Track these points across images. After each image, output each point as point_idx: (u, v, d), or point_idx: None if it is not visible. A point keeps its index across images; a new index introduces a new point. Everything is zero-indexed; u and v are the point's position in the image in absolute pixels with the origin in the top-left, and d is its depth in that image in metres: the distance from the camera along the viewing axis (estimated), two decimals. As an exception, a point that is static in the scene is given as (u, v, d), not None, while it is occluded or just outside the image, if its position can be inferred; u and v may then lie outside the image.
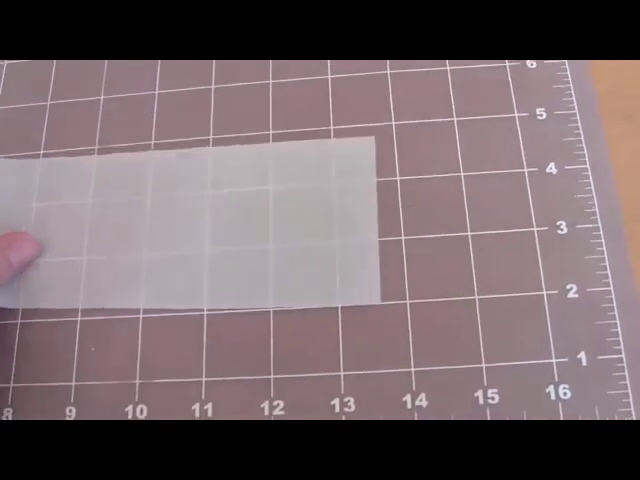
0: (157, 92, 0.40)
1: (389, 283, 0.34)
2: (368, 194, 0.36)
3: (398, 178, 0.36)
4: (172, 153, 0.38)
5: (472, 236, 0.34)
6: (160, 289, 0.35)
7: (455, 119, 0.37)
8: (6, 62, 0.41)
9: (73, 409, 0.34)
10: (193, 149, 0.38)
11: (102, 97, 0.40)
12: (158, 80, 0.40)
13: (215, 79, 0.40)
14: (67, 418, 0.33)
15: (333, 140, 0.37)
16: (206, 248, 0.36)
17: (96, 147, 0.39)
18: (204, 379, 0.33)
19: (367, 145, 0.37)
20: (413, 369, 0.32)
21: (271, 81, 0.39)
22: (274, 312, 0.34)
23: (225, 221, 0.36)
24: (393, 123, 0.37)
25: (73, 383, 0.34)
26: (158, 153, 0.38)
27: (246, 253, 0.35)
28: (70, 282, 0.36)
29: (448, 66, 0.38)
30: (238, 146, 0.38)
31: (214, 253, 0.36)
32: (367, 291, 0.34)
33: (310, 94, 0.38)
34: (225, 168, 0.37)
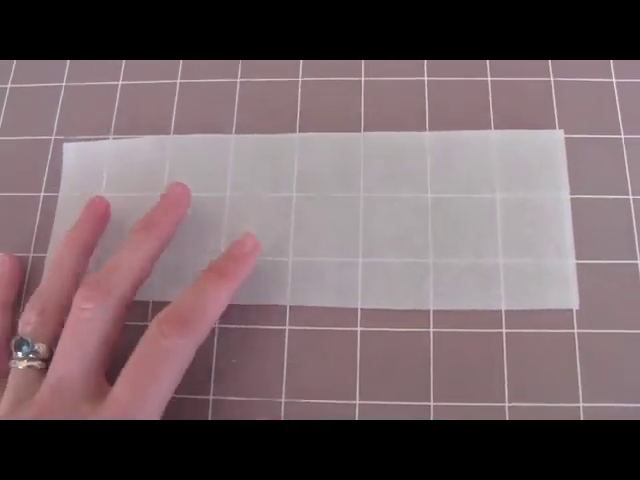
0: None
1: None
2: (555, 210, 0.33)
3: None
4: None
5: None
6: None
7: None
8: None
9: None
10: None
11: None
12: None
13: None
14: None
15: (498, 132, 0.34)
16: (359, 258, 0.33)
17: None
18: (357, 402, 0.30)
19: (553, 141, 0.34)
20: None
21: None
22: (434, 333, 0.31)
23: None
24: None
25: (210, 397, 0.31)
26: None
27: (404, 265, 0.32)
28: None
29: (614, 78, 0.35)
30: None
31: (366, 263, 0.33)
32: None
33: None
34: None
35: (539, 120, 0.35)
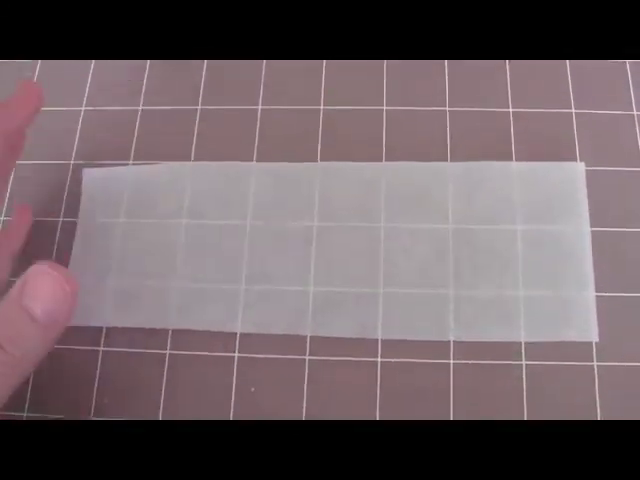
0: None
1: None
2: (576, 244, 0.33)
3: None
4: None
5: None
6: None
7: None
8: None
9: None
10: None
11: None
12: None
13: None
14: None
15: (520, 163, 0.34)
16: (379, 289, 0.33)
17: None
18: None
19: (574, 172, 0.34)
20: None
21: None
22: (454, 364, 0.31)
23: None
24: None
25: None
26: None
27: (425, 296, 0.32)
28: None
29: (635, 111, 0.35)
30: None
31: (387, 293, 0.33)
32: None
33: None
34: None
35: (560, 152, 0.35)
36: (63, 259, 0.34)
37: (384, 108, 0.36)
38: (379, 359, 0.32)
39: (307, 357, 0.32)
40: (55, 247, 0.35)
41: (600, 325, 0.32)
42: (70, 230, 0.35)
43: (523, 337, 0.32)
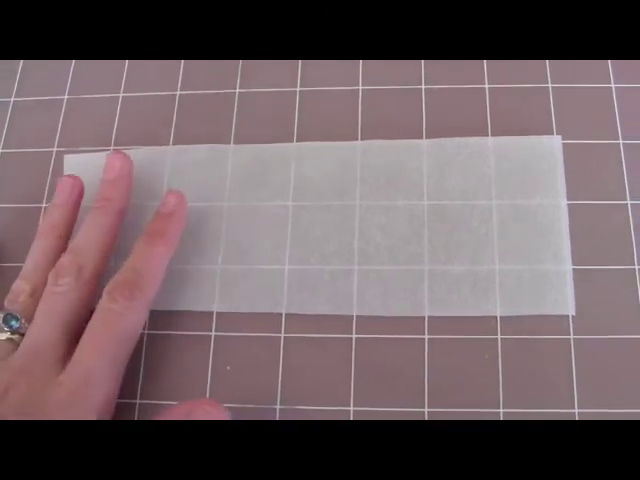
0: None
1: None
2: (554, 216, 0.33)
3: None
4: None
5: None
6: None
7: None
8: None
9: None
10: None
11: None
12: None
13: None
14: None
15: (495, 139, 0.34)
16: (354, 266, 0.34)
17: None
18: (352, 408, 0.30)
19: (550, 146, 0.34)
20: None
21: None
22: (429, 339, 0.31)
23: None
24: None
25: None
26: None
27: (399, 272, 0.32)
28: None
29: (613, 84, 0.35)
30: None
31: (362, 270, 0.33)
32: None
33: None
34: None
35: (537, 126, 0.35)
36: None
37: (359, 88, 0.36)
38: (354, 335, 0.32)
39: (282, 335, 0.32)
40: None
41: (577, 298, 0.31)
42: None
43: (499, 311, 0.31)
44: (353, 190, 0.34)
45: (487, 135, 0.34)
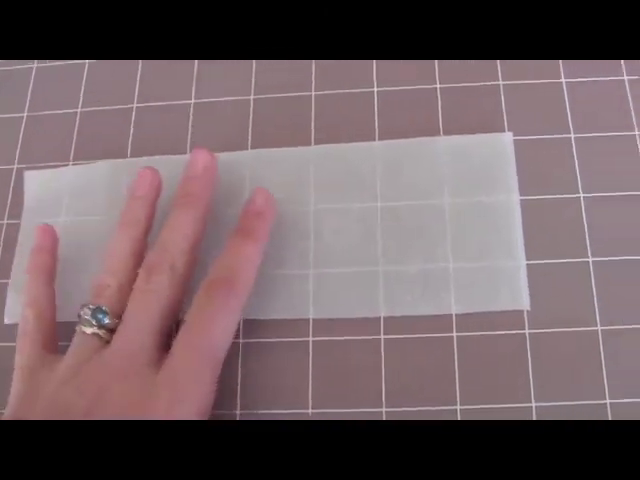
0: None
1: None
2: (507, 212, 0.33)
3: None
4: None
5: (593, 262, 0.32)
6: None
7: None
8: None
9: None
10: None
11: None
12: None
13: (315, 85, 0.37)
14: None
15: (447, 138, 0.35)
16: (309, 269, 0.34)
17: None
18: (310, 410, 0.31)
19: (502, 144, 0.34)
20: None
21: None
22: (385, 340, 0.31)
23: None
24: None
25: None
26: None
27: (355, 274, 0.32)
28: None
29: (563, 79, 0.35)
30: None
31: (317, 274, 0.34)
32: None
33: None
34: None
35: (489, 124, 0.35)
36: (7, 260, 0.36)
37: (312, 93, 0.36)
38: (310, 338, 0.32)
39: (241, 340, 0.33)
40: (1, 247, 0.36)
41: (532, 292, 0.32)
42: (14, 231, 0.37)
43: (454, 309, 0.32)
44: (308, 195, 0.34)
45: (439, 134, 0.34)
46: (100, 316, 0.29)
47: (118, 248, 0.31)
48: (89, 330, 0.29)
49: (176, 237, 0.30)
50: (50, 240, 0.33)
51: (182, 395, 0.27)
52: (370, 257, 0.33)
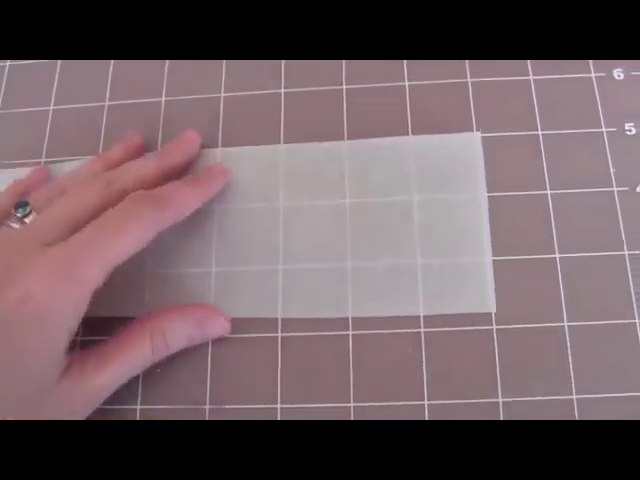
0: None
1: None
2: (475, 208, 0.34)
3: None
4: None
5: (560, 258, 0.32)
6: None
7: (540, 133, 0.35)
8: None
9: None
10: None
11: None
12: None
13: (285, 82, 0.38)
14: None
15: (416, 138, 0.35)
16: (279, 265, 0.34)
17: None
18: (279, 406, 0.31)
19: (470, 143, 0.35)
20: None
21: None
22: (353, 335, 0.31)
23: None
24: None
25: (138, 407, 0.32)
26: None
27: (324, 271, 0.33)
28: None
29: (532, 76, 0.35)
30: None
31: (287, 270, 0.34)
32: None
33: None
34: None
35: (457, 122, 0.35)
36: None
37: (282, 91, 0.37)
38: (279, 334, 0.32)
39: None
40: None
41: (499, 289, 0.32)
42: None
43: (422, 311, 0.32)
44: (276, 192, 0.34)
45: (408, 133, 0.35)
46: (20, 210, 0.29)
47: (79, 169, 0.33)
48: (15, 225, 0.30)
49: (133, 169, 0.32)
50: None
51: (64, 270, 0.27)
52: (339, 254, 0.33)
